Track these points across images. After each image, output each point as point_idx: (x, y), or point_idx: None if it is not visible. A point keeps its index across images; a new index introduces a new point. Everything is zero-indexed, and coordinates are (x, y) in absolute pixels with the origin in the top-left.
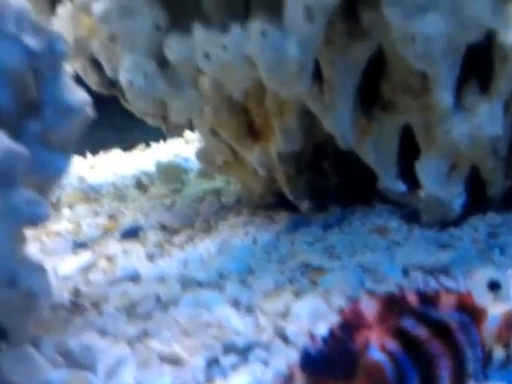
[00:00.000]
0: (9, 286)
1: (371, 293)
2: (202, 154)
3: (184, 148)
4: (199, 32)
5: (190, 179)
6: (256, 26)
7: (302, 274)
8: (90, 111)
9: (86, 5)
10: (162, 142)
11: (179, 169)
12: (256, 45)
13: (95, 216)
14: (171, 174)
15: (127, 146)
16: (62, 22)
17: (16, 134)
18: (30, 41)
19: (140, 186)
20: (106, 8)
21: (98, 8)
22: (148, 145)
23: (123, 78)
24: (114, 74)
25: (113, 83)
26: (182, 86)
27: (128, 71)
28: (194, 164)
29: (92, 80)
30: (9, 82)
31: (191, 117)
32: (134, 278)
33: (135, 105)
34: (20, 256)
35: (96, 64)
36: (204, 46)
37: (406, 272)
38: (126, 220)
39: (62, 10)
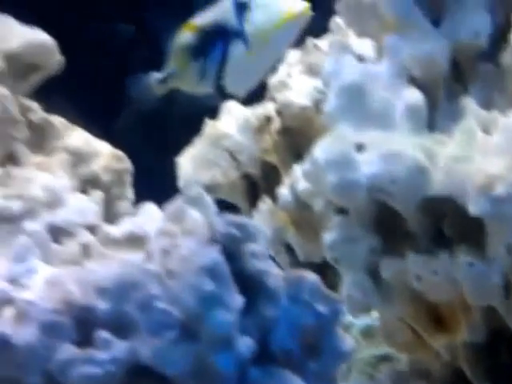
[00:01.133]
0: None
1: None
2: (382, 329)
3: None
4: (411, 257)
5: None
6: (462, 255)
7: None
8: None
9: (286, 204)
10: None
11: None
12: (463, 272)
13: None
14: None
15: None
16: (261, 216)
17: (301, 372)
18: (319, 306)
19: None
20: (334, 238)
21: (327, 238)
22: None
23: (344, 291)
24: (306, 257)
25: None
26: (393, 299)
27: (348, 287)
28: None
29: (284, 260)
30: (300, 335)
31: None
32: None
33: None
34: None
35: (288, 247)
36: (415, 270)
37: None
38: None
39: (262, 206)
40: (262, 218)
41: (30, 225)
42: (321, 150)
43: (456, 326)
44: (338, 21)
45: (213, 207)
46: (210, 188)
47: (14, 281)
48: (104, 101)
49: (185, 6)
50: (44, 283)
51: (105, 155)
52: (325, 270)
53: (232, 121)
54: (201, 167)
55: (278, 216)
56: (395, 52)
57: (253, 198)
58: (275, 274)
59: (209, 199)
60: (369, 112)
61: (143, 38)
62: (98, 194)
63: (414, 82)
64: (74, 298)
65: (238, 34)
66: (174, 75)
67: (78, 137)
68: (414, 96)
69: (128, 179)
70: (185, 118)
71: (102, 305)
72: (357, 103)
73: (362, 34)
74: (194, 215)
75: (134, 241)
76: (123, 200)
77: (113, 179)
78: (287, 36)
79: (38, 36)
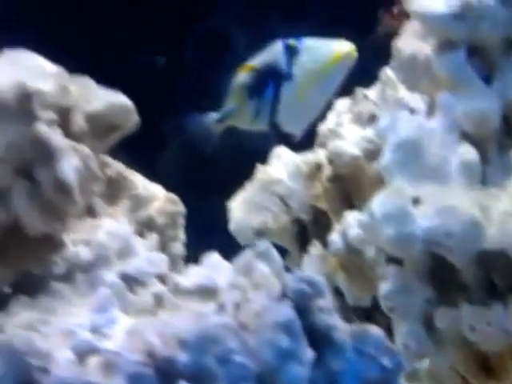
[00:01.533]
0: None
1: None
2: (432, 375)
3: None
4: (465, 308)
5: None
6: None
7: None
8: None
9: (336, 250)
10: None
11: None
12: None
13: None
14: None
15: None
16: (311, 260)
17: None
18: (383, 359)
19: None
20: (390, 288)
21: (382, 288)
22: None
23: (398, 340)
24: (355, 301)
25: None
26: (445, 348)
27: (403, 336)
28: None
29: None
30: None
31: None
32: None
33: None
34: None
35: (337, 291)
36: (469, 320)
37: None
38: None
39: (313, 251)
40: (313, 263)
41: (108, 275)
42: (378, 203)
43: (505, 374)
44: (388, 72)
45: (280, 261)
46: (260, 232)
47: (96, 331)
48: (145, 137)
49: (221, 47)
50: (125, 333)
51: (160, 199)
52: (372, 313)
53: (282, 166)
54: (252, 211)
55: (328, 261)
56: (448, 109)
57: (302, 242)
58: (341, 328)
59: (276, 253)
60: (424, 167)
61: (179, 73)
62: (153, 237)
63: (466, 137)
64: (156, 350)
65: (288, 76)
66: (231, 113)
67: (136, 182)
68: (469, 152)
69: (181, 222)
70: (232, 159)
71: (183, 357)
72: (412, 158)
73: (413, 88)
74: (263, 269)
75: (205, 292)
76: (176, 242)
77: (167, 222)
78: (335, 77)
79: (118, 98)
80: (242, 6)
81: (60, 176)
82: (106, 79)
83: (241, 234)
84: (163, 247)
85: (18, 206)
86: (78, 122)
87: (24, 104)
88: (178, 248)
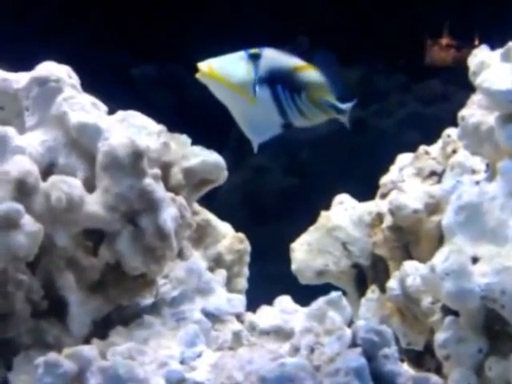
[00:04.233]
0: None
1: None
2: None
3: None
4: None
5: None
6: None
7: None
8: None
9: (394, 296)
10: None
11: None
12: None
13: None
14: None
15: None
16: (369, 303)
17: None
18: None
19: None
20: (446, 338)
21: (439, 337)
22: None
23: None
24: (408, 344)
25: None
26: None
27: (456, 382)
28: None
29: None
30: None
31: None
32: None
33: None
34: None
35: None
36: None
37: None
38: None
39: (371, 295)
40: (370, 305)
41: (194, 312)
42: (440, 259)
43: None
44: (450, 132)
45: (350, 310)
46: (321, 273)
47: (185, 362)
48: None
49: None
50: (210, 367)
51: (228, 236)
52: (423, 356)
53: (345, 213)
54: (314, 254)
55: (384, 305)
56: (509, 175)
57: (360, 285)
58: (405, 375)
59: (346, 302)
60: (483, 228)
61: None
62: (222, 273)
63: None
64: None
65: None
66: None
67: (217, 226)
68: None
69: (247, 259)
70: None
71: None
72: (473, 220)
73: (476, 153)
74: (335, 317)
75: (280, 333)
76: (241, 277)
77: (234, 258)
78: None
79: (212, 156)
80: None
81: (161, 224)
82: None
83: (302, 274)
84: (229, 282)
85: (122, 248)
86: (177, 176)
87: (135, 161)
88: (242, 283)
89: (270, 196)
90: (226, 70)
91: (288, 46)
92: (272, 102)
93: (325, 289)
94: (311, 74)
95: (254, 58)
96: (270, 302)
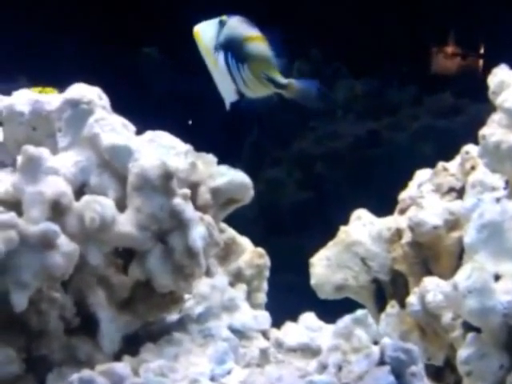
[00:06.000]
0: None
1: None
2: None
3: None
4: None
5: None
6: None
7: None
8: None
9: (414, 312)
10: None
11: None
12: None
13: None
14: None
15: None
16: (389, 318)
17: None
18: None
19: None
20: (468, 354)
21: (461, 354)
22: None
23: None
24: (428, 359)
25: None
26: None
27: None
28: None
29: None
30: None
31: None
32: None
33: None
34: None
35: None
36: None
37: None
38: None
39: (391, 310)
40: (389, 320)
41: (222, 330)
42: (462, 276)
43: None
44: (468, 149)
45: (376, 328)
46: (340, 288)
47: (215, 379)
48: None
49: None
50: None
51: (248, 251)
52: (443, 371)
53: (363, 229)
54: (333, 268)
55: (404, 320)
56: None
57: (380, 300)
58: None
59: (372, 320)
60: (505, 246)
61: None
62: (243, 287)
63: None
64: None
65: None
66: None
67: (242, 244)
68: None
69: (267, 274)
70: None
71: None
72: (495, 238)
73: (496, 171)
74: (362, 335)
75: (307, 351)
76: (260, 292)
77: (253, 273)
78: None
79: (238, 175)
80: None
81: (191, 243)
82: None
83: (321, 288)
84: (248, 296)
85: (152, 267)
86: (205, 195)
87: (166, 182)
88: (262, 298)
89: (285, 210)
90: (203, 33)
91: (301, 60)
92: (225, 68)
93: (342, 302)
94: (258, 46)
95: (221, 25)
96: (286, 315)
